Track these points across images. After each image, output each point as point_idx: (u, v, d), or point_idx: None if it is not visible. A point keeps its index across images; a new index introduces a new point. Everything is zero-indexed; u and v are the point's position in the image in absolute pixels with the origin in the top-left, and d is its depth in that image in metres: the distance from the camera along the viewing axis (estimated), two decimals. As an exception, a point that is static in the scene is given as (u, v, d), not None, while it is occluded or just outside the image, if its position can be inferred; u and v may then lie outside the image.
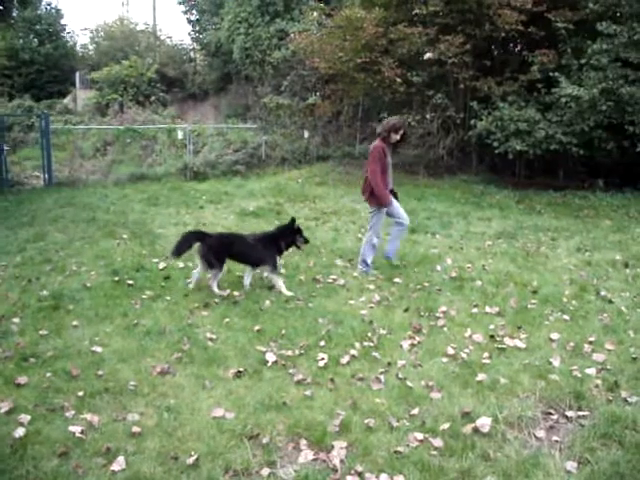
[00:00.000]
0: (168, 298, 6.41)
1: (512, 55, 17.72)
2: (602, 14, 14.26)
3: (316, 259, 8.02)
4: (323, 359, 4.92)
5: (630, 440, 3.75)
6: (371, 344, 5.29)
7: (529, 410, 4.13)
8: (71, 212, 11.12)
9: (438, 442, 3.72)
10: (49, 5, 40.64)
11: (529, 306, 6.44)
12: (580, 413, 4.15)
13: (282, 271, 7.23)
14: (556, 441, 3.82)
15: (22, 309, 6.00)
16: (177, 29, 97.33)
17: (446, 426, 3.89)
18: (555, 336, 5.56)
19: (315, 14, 21.09)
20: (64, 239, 9.02)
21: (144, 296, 6.44)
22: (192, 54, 40.79)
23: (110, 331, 5.47)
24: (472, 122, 15.51)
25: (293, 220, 7.12)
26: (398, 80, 16.14)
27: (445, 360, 5.02)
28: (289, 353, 5.05)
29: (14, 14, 38.39)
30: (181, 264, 7.67)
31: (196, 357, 4.95)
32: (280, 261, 7.07)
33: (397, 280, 7.30)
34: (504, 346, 5.31)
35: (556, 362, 4.96)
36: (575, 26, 14.53)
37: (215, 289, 6.62)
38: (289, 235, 7.06)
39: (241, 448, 3.63)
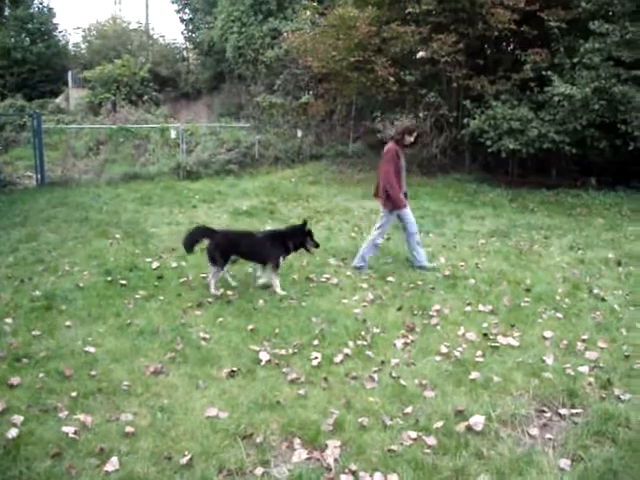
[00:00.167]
0: (161, 298, 6.39)
1: (505, 54, 17.77)
2: (594, 13, 14.32)
3: (309, 258, 8.02)
4: (317, 358, 4.92)
5: (623, 437, 3.77)
6: (364, 343, 5.30)
7: (522, 408, 4.14)
8: (64, 212, 11.08)
9: (432, 440, 3.73)
10: (41, 4, 40.50)
11: (522, 304, 6.45)
12: (573, 411, 4.16)
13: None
14: (549, 439, 3.83)
15: (15, 309, 5.97)
16: (170, 28, 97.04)
17: (440, 424, 3.90)
18: (548, 334, 5.57)
19: (308, 13, 21.07)
20: (57, 239, 8.98)
21: (137, 296, 6.43)
22: (185, 53, 40.68)
23: (103, 331, 5.46)
24: (465, 121, 15.54)
25: (305, 222, 7.07)
26: (391, 79, 16.18)
27: (438, 358, 5.02)
28: (283, 352, 5.05)
29: (6, 13, 38.40)
30: (174, 263, 7.66)
31: (189, 357, 4.94)
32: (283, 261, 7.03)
33: (390, 279, 7.30)
34: (497, 344, 5.32)
35: (549, 360, 4.98)
36: (568, 25, 14.59)
37: (212, 287, 6.61)
38: (299, 236, 7.00)
39: (235, 448, 3.62)
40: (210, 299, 6.37)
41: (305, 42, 18.05)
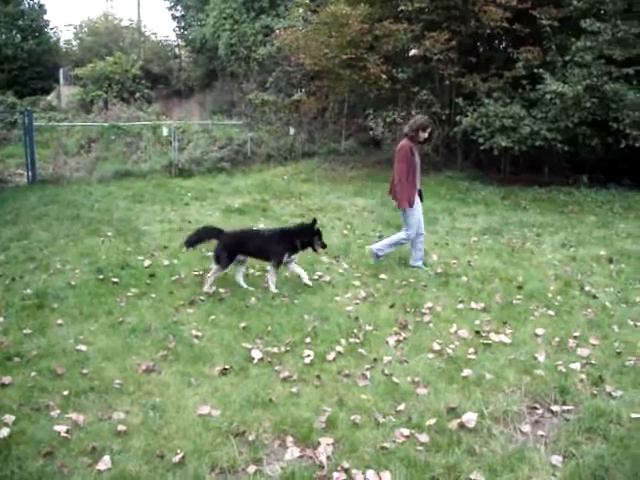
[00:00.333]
0: (153, 296, 6.38)
1: (497, 52, 17.77)
2: (586, 11, 14.34)
3: (301, 255, 8.00)
4: (309, 356, 4.92)
5: (614, 434, 3.78)
6: (357, 340, 5.30)
7: (514, 405, 4.16)
8: (55, 210, 11.02)
9: (424, 438, 3.73)
10: (32, 0, 40.27)
11: (514, 302, 6.47)
12: (565, 407, 4.18)
13: (268, 268, 7.21)
14: (541, 435, 3.84)
15: (6, 308, 5.94)
16: (162, 25, 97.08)
17: (432, 422, 3.90)
18: (540, 331, 5.59)
19: (300, 10, 21.02)
20: (48, 237, 8.94)
21: (129, 294, 6.41)
22: (177, 50, 40.56)
23: (95, 329, 5.44)
24: (457, 118, 15.55)
25: (314, 221, 7.01)
26: (383, 76, 16.16)
27: (431, 356, 5.03)
28: (275, 350, 5.05)
29: (-4, 10, 38.16)
30: (166, 261, 7.64)
31: (182, 355, 4.93)
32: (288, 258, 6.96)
33: (383, 276, 7.31)
34: (490, 341, 5.33)
35: (541, 357, 4.99)
36: (559, 23, 14.61)
37: (207, 285, 6.60)
38: (307, 235, 6.93)
39: (227, 446, 3.62)
40: (202, 297, 6.36)
41: (297, 39, 18.02)
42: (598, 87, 13.35)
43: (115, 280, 6.82)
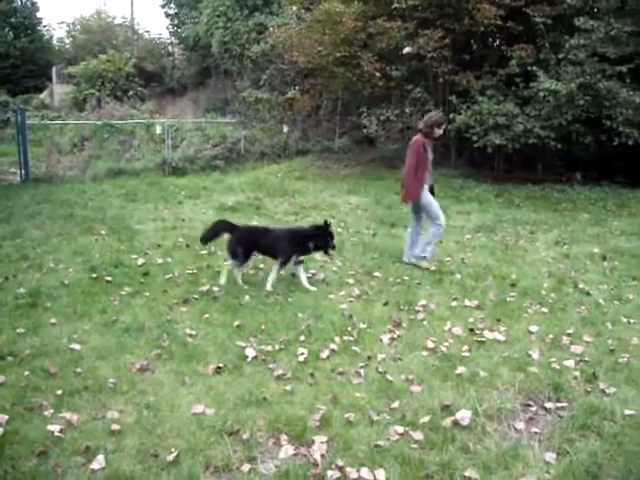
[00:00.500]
0: (147, 294, 6.36)
1: (491, 49, 17.80)
2: (579, 9, 14.38)
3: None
4: (303, 354, 4.91)
5: (608, 431, 3.79)
6: (351, 338, 5.30)
7: (508, 402, 4.17)
8: (48, 208, 10.98)
9: (418, 435, 3.74)
10: (24, -3, 40.15)
11: (508, 299, 6.48)
12: (559, 405, 4.19)
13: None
14: (535, 432, 3.85)
15: (-1, 307, 5.92)
16: (155, 23, 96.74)
17: (426, 419, 3.91)
18: (534, 329, 5.60)
19: (294, 8, 20.97)
20: (41, 236, 8.90)
21: (123, 292, 6.38)
22: (170, 48, 40.49)
23: (88, 328, 5.41)
24: (451, 116, 15.53)
25: (326, 223, 6.91)
26: (377, 74, 16.15)
27: (425, 353, 5.03)
28: (269, 348, 5.04)
29: (-12, 7, 37.98)
30: (160, 260, 7.62)
31: (175, 353, 4.92)
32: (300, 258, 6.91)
33: (377, 274, 7.31)
34: (483, 339, 5.34)
35: (535, 354, 5.00)
36: (553, 21, 14.65)
37: (240, 281, 6.73)
38: (322, 237, 6.82)
39: (221, 444, 3.61)
40: (196, 295, 6.34)
41: (291, 37, 17.99)
42: (591, 85, 13.37)
43: (109, 279, 6.80)
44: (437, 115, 7.80)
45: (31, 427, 3.75)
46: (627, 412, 4.00)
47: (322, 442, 3.64)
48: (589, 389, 4.41)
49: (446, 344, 5.21)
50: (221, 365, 4.67)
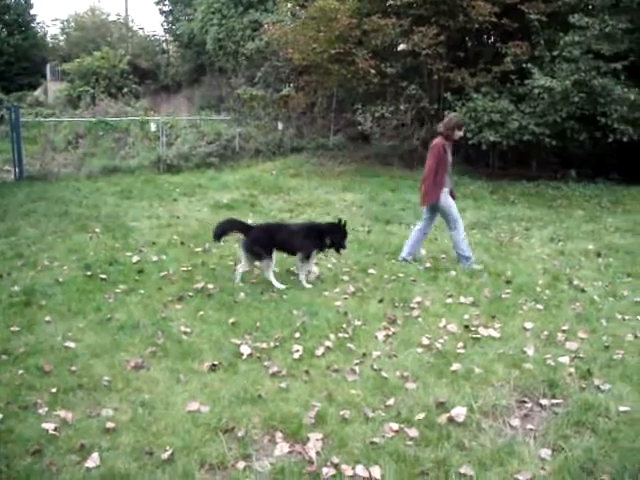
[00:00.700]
0: (142, 292, 6.34)
1: (486, 46, 17.83)
2: (574, 6, 14.42)
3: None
4: (298, 351, 4.91)
5: (603, 427, 3.80)
6: (346, 335, 5.29)
7: (504, 399, 4.16)
8: (43, 206, 10.95)
9: (413, 432, 3.73)
10: (18, -6, 39.99)
11: (503, 296, 6.48)
12: (554, 401, 4.19)
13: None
14: (530, 429, 3.85)
15: (-8, 305, 5.90)
16: (149, 20, 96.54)
17: (421, 416, 3.90)
18: (529, 325, 5.61)
19: (289, 5, 20.93)
20: (36, 233, 8.88)
21: (117, 290, 6.37)
22: (165, 45, 40.36)
23: (83, 326, 5.40)
24: (446, 113, 15.48)
25: (340, 221, 6.96)
26: (372, 71, 16.16)
27: (420, 350, 5.03)
28: (264, 345, 5.03)
29: (-19, 4, 37.80)
30: (154, 257, 7.61)
31: (170, 351, 4.91)
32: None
33: (371, 271, 7.31)
34: (478, 336, 5.34)
35: (530, 351, 5.00)
36: (548, 18, 14.68)
37: (275, 282, 6.63)
38: (337, 234, 6.87)
39: (216, 442, 3.60)
40: (191, 293, 6.33)
41: (286, 34, 17.97)
42: (586, 82, 13.41)
43: (103, 276, 6.78)
44: (457, 117, 7.85)
45: (26, 425, 3.74)
46: (622, 408, 4.00)
47: (317, 439, 3.63)
48: (584, 385, 4.42)
49: (441, 341, 5.21)
50: (216, 363, 4.66)
